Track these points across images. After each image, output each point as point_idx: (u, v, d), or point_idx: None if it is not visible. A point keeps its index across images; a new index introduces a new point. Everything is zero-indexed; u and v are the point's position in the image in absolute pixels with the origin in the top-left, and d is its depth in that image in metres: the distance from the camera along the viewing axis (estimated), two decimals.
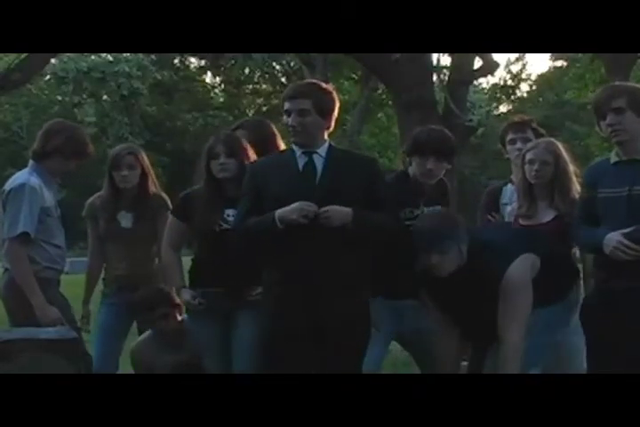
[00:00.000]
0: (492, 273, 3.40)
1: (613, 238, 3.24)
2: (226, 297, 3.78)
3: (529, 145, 3.98)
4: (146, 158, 4.51)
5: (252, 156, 3.85)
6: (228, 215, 3.79)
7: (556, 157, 3.89)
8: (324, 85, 3.59)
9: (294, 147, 3.55)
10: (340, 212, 3.39)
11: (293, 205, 3.38)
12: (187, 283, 3.90)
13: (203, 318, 3.81)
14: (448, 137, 3.89)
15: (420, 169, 3.74)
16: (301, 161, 3.52)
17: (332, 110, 3.53)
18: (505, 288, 3.36)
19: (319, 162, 3.51)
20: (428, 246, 3.41)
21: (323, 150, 3.53)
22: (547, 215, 3.87)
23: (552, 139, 4.13)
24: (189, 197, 3.99)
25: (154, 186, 4.50)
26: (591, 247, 3.42)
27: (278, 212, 3.39)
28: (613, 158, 3.44)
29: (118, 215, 4.41)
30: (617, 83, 3.55)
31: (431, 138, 3.81)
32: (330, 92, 3.54)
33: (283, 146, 4.02)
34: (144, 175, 4.44)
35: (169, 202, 4.47)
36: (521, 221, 3.90)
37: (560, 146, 3.98)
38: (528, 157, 3.87)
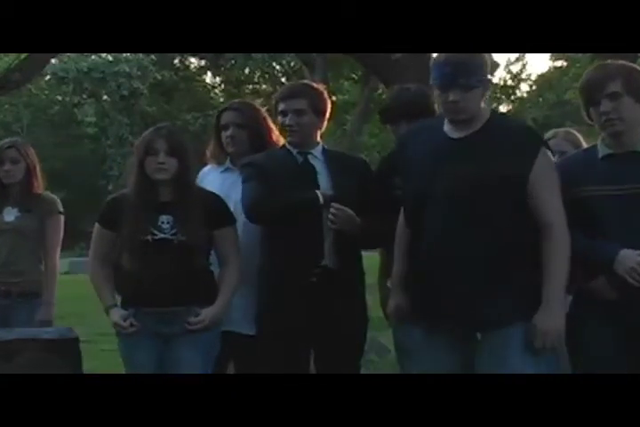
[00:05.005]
0: None
1: (634, 258, 2.85)
2: (161, 319, 3.40)
3: (546, 135, 3.69)
4: (31, 154, 4.36)
5: (194, 157, 3.55)
6: (163, 222, 3.40)
7: (577, 147, 3.64)
8: (316, 86, 3.62)
9: (288, 147, 3.56)
10: (349, 217, 3.36)
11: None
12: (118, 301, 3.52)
13: (136, 341, 3.43)
14: (417, 96, 3.59)
15: (396, 137, 3.53)
16: (298, 160, 3.54)
17: (326, 110, 3.56)
18: None
19: (315, 162, 3.53)
20: None
21: (317, 151, 3.56)
22: None
23: (571, 129, 3.89)
24: (117, 201, 3.53)
25: (38, 183, 4.34)
26: (591, 261, 2.95)
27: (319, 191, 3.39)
28: (603, 150, 3.01)
29: (4, 211, 4.30)
30: (609, 62, 3.05)
31: (397, 102, 3.56)
32: (322, 93, 3.56)
33: (276, 130, 3.84)
34: (29, 170, 4.32)
35: (59, 204, 4.37)
36: None
37: (580, 137, 3.74)
38: None
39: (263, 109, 3.95)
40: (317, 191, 3.39)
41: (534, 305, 2.89)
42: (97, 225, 3.56)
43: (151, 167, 3.39)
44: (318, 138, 3.58)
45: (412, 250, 3.08)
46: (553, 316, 2.88)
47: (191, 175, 3.51)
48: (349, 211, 3.36)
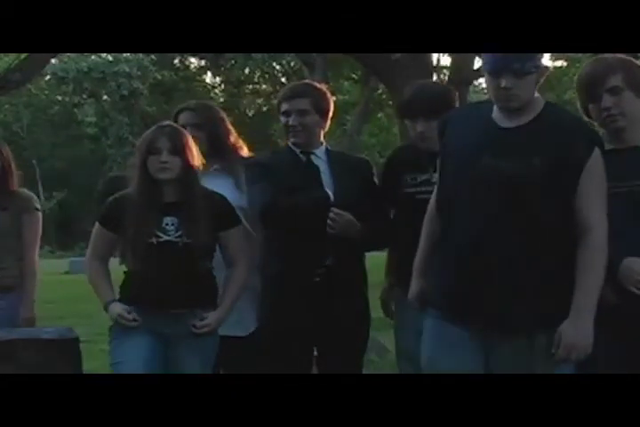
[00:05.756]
0: None
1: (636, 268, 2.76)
2: (162, 321, 3.32)
3: None
4: (5, 151, 4.33)
5: (198, 156, 3.41)
6: (168, 224, 3.32)
7: None
8: (319, 86, 3.62)
9: (292, 147, 3.57)
10: (348, 222, 3.35)
11: None
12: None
13: (133, 336, 3.31)
14: (440, 93, 3.47)
15: (412, 133, 3.43)
16: (302, 160, 3.55)
17: (329, 110, 3.56)
18: None
19: (319, 163, 3.53)
20: None
21: (321, 151, 3.56)
22: None
23: None
24: (120, 201, 3.42)
25: (13, 181, 4.29)
26: None
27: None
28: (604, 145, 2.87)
29: None
30: (607, 55, 2.97)
31: (416, 97, 3.40)
32: (325, 93, 3.57)
33: (234, 132, 3.79)
34: (3, 168, 4.27)
35: (35, 201, 4.34)
36: None
37: None
38: None
39: (221, 110, 3.86)
40: (327, 189, 3.40)
41: (565, 312, 2.73)
42: (97, 225, 3.47)
43: (154, 167, 3.31)
44: (322, 138, 3.59)
45: (441, 238, 2.92)
46: (582, 329, 2.70)
47: (195, 175, 3.40)
48: (348, 215, 3.35)
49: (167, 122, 3.51)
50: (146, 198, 3.32)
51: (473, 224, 2.77)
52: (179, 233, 3.32)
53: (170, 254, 3.30)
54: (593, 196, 2.75)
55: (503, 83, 2.74)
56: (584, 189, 2.73)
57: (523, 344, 2.76)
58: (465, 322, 2.81)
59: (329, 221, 3.33)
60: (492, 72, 2.78)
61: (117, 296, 3.44)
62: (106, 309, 3.40)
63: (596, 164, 2.75)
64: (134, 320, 3.31)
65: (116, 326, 3.38)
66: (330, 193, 3.40)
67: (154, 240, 3.29)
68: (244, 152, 3.80)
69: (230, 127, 3.77)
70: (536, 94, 2.86)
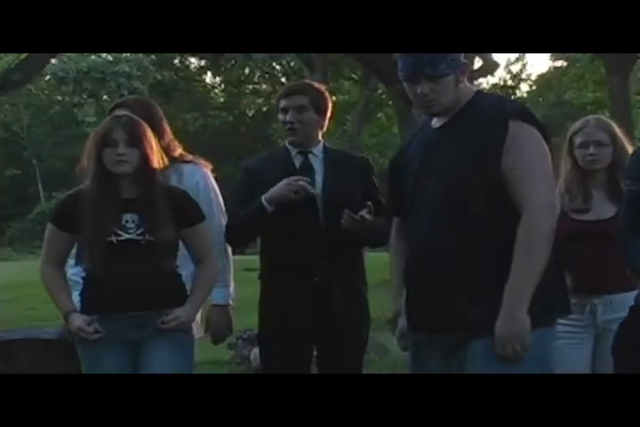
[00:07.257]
0: None
1: None
2: (129, 325, 3.11)
3: (575, 126, 3.45)
4: None
5: (158, 149, 3.17)
6: (127, 221, 3.08)
7: (613, 135, 3.38)
8: (317, 85, 3.64)
9: (289, 146, 3.57)
10: (360, 220, 3.34)
11: (280, 183, 3.34)
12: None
13: (101, 348, 3.11)
14: None
15: None
16: (297, 161, 3.54)
17: (327, 109, 3.57)
18: None
19: (316, 162, 3.54)
20: None
21: (318, 150, 3.56)
22: (607, 210, 3.30)
23: (601, 116, 3.60)
24: (73, 199, 3.17)
25: None
26: None
27: (265, 195, 3.34)
28: None
29: None
30: None
31: None
32: (324, 92, 3.59)
33: (169, 132, 3.62)
34: None
35: None
36: (574, 217, 3.31)
37: (613, 123, 3.45)
38: (578, 139, 3.37)
39: (159, 109, 3.66)
40: (262, 197, 3.34)
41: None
42: (50, 225, 3.20)
43: (110, 160, 3.05)
44: (320, 137, 3.59)
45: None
46: (509, 319, 2.51)
47: (155, 169, 3.14)
48: (362, 216, 3.29)
49: (123, 112, 3.26)
50: (102, 194, 3.08)
51: (415, 232, 2.69)
52: (140, 230, 3.10)
53: (132, 254, 3.08)
54: (521, 173, 2.56)
55: (419, 89, 2.69)
56: (511, 168, 2.57)
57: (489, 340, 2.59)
58: (433, 332, 2.70)
59: (343, 222, 3.30)
60: (407, 79, 2.73)
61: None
62: (66, 320, 3.16)
63: (516, 137, 2.59)
64: (96, 332, 3.08)
65: (82, 342, 3.15)
66: (265, 202, 3.33)
67: (114, 239, 3.06)
68: (177, 153, 3.59)
69: (166, 127, 3.59)
70: (466, 86, 2.78)
